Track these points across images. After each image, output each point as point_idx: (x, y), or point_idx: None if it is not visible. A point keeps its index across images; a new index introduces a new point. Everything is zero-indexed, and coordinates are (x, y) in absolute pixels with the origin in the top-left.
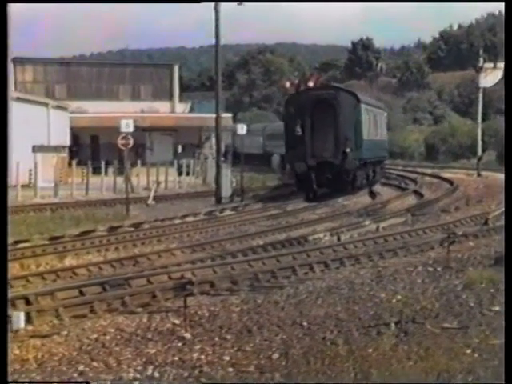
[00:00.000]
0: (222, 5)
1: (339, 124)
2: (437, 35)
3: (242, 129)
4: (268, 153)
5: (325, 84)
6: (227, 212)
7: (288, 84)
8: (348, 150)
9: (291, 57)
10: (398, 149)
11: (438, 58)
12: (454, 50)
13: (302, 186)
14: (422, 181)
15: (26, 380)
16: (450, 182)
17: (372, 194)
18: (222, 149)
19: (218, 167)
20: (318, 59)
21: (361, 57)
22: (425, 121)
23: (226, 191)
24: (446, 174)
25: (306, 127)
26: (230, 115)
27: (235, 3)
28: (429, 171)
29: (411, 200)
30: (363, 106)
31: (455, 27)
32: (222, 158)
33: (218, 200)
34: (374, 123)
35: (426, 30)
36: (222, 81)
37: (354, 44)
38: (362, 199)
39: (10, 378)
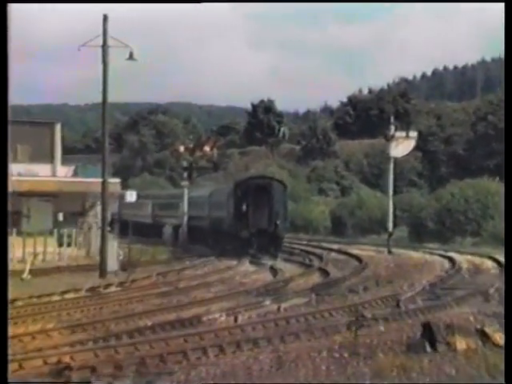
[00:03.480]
0: (111, 58)
1: (272, 203)
2: (345, 99)
3: (130, 196)
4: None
5: (263, 175)
6: (112, 288)
7: (182, 148)
8: (278, 221)
9: (186, 118)
10: (301, 221)
11: (346, 125)
12: (363, 116)
13: (245, 247)
14: (328, 257)
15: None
16: (359, 259)
17: (273, 271)
18: (108, 217)
19: (104, 238)
20: (216, 122)
21: (262, 120)
22: (331, 192)
23: (112, 265)
24: (354, 251)
25: (249, 205)
26: (117, 180)
27: (125, 59)
28: (335, 247)
29: (316, 278)
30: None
31: (365, 91)
32: (108, 228)
33: (103, 274)
34: None
35: (333, 94)
36: (110, 143)
37: (254, 106)
38: (262, 276)
39: None
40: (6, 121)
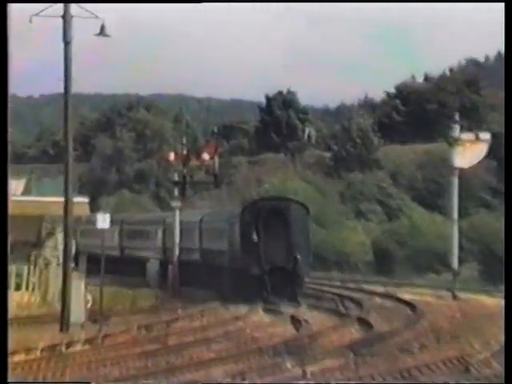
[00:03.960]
0: (76, 36)
1: (291, 232)
2: (392, 90)
3: (103, 220)
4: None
5: (278, 196)
6: (78, 346)
7: (172, 156)
8: (299, 255)
9: (177, 115)
10: (333, 255)
11: (394, 124)
12: (416, 113)
13: (256, 289)
14: (371, 304)
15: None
16: (412, 306)
17: (296, 322)
18: (73, 249)
19: (66, 277)
20: (217, 120)
21: (279, 118)
22: (373, 215)
23: (78, 314)
24: (406, 295)
25: (260, 234)
26: (85, 200)
27: (96, 33)
28: (380, 290)
29: (354, 332)
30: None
31: (420, 79)
32: (72, 264)
33: (65, 327)
34: None
35: (376, 83)
36: (75, 148)
37: (269, 99)
38: (282, 329)
39: None
40: (5, 122)
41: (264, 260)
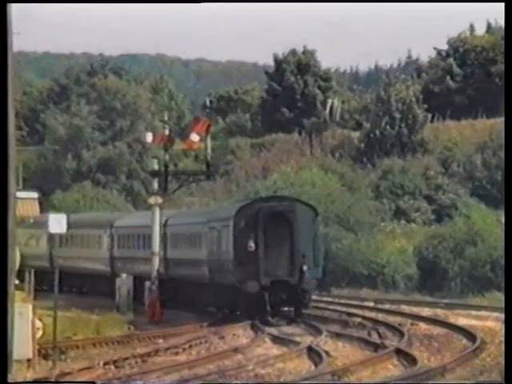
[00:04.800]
0: None
1: (296, 239)
2: (444, 46)
3: (58, 223)
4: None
5: (280, 195)
6: None
7: (150, 137)
8: (305, 267)
9: (156, 83)
10: (364, 268)
11: (446, 92)
12: (477, 76)
13: (253, 308)
14: (413, 331)
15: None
16: (470, 334)
17: (314, 355)
18: (17, 262)
19: (7, 299)
20: (210, 89)
21: (292, 85)
22: (418, 214)
23: (23, 348)
24: (461, 319)
25: (259, 242)
26: (34, 195)
27: None
28: (426, 312)
29: (392, 368)
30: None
31: (480, 30)
32: (16, 281)
33: (6, 367)
34: None
35: (422, 37)
36: (18, 127)
37: (279, 61)
38: (294, 364)
39: None
40: (6, 121)
41: (263, 273)
